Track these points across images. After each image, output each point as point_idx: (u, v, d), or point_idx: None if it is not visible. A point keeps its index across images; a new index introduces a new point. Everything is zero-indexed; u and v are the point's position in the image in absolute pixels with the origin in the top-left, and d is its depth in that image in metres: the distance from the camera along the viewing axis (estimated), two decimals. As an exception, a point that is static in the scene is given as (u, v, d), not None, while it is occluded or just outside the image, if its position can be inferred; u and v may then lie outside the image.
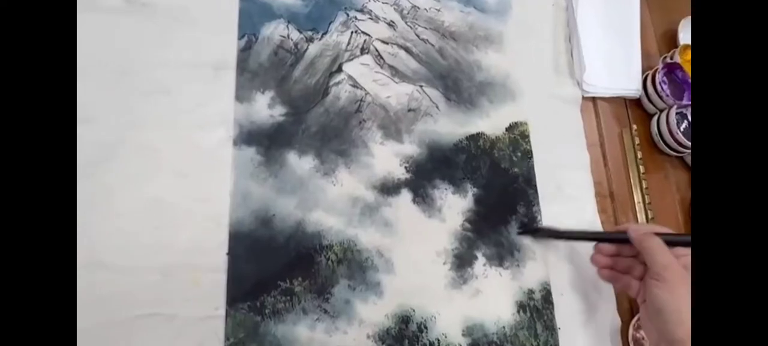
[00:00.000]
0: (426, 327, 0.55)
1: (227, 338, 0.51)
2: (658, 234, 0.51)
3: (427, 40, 0.67)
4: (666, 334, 0.47)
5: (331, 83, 0.62)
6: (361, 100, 0.62)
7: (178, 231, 0.53)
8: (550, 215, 0.62)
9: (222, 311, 0.51)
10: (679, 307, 0.46)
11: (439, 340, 0.55)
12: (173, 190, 0.54)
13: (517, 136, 0.65)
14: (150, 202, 0.53)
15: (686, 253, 0.50)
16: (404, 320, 0.55)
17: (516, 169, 0.63)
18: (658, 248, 0.50)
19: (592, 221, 0.64)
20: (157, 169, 0.55)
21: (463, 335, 0.56)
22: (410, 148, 0.61)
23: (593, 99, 0.71)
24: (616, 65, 0.72)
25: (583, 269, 0.60)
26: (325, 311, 0.53)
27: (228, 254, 0.53)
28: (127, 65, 0.57)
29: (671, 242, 0.50)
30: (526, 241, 0.61)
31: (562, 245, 0.61)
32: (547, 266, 0.60)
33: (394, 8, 0.68)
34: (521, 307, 0.58)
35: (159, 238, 0.52)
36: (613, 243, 0.56)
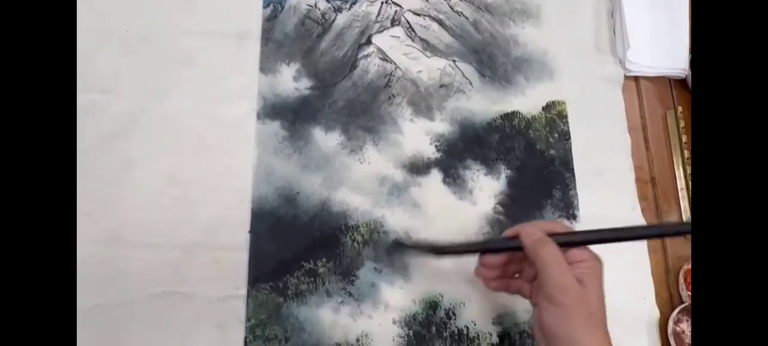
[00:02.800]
0: (454, 314, 0.53)
1: (248, 319, 0.49)
2: (552, 235, 0.43)
3: (462, 12, 0.64)
4: None
5: (360, 56, 0.59)
6: (390, 75, 0.59)
7: (199, 207, 0.51)
8: (587, 200, 0.59)
9: (243, 291, 0.50)
10: (575, 335, 0.40)
11: (467, 328, 0.52)
12: (195, 164, 0.53)
13: (555, 116, 0.61)
14: (171, 176, 0.52)
15: (582, 259, 0.43)
16: (432, 305, 0.52)
17: (552, 151, 0.60)
18: (553, 262, 0.41)
19: (632, 207, 0.60)
20: (178, 142, 0.53)
21: (493, 323, 0.53)
22: (441, 126, 0.58)
23: (635, 78, 0.67)
24: (662, 43, 0.67)
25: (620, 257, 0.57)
26: (350, 294, 0.51)
27: (250, 232, 0.51)
28: (148, 33, 0.56)
29: (568, 243, 0.43)
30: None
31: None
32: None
33: (428, -23, 0.64)
34: (554, 296, 0.55)
35: (179, 214, 0.51)
36: (506, 252, 0.47)
